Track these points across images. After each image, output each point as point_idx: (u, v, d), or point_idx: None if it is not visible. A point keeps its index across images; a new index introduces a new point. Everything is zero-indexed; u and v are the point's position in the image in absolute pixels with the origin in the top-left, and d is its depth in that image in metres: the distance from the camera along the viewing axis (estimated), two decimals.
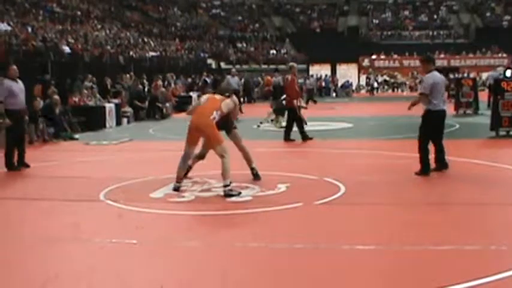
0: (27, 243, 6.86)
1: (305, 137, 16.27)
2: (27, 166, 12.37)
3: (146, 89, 27.88)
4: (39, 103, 17.66)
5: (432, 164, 10.65)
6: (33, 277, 5.69)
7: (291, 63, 17.41)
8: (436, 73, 10.74)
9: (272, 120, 20.98)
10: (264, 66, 50.80)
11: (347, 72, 54.85)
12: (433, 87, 10.51)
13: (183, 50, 45.27)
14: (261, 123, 20.92)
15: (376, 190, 9.57)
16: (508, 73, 17.88)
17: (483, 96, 27.25)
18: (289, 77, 16.76)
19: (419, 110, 10.78)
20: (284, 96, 21.94)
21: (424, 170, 10.50)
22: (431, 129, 10.62)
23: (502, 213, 8.11)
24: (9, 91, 12.10)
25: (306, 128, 16.64)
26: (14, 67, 12.40)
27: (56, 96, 18.69)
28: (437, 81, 10.63)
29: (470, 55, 54.00)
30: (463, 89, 24.21)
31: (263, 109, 24.18)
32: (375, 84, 51.39)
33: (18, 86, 12.32)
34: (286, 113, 19.74)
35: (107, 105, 22.43)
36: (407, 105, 10.78)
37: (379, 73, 53.39)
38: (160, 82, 28.82)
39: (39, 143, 16.81)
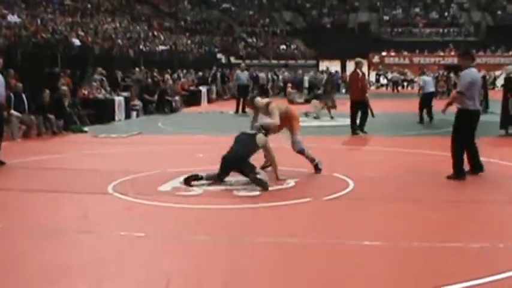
0: (36, 235, 6.88)
1: (354, 131, 16.50)
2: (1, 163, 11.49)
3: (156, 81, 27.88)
4: (47, 95, 17.69)
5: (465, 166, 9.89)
6: (42, 269, 5.70)
7: (358, 59, 17.40)
8: (474, 70, 10.07)
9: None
10: (274, 62, 50.77)
11: None
12: (471, 86, 9.79)
13: (193, 44, 45.29)
14: (331, 117, 21.46)
15: (385, 186, 9.55)
16: None
17: (493, 94, 27.10)
18: (358, 71, 16.93)
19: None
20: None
21: (458, 174, 9.72)
22: (467, 130, 9.87)
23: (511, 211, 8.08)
24: None
25: (318, 123, 16.84)
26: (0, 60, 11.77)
27: (65, 88, 18.73)
28: (475, 80, 9.97)
29: (481, 53, 53.63)
30: None
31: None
32: (385, 81, 51.20)
33: None
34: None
35: (116, 98, 22.46)
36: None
37: (389, 70, 53.18)
38: (167, 76, 28.83)
39: (48, 135, 16.85)
